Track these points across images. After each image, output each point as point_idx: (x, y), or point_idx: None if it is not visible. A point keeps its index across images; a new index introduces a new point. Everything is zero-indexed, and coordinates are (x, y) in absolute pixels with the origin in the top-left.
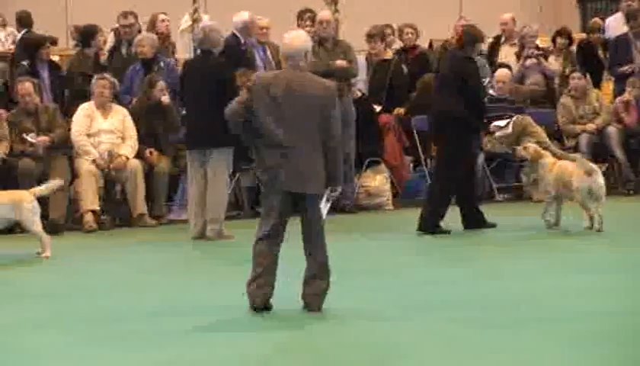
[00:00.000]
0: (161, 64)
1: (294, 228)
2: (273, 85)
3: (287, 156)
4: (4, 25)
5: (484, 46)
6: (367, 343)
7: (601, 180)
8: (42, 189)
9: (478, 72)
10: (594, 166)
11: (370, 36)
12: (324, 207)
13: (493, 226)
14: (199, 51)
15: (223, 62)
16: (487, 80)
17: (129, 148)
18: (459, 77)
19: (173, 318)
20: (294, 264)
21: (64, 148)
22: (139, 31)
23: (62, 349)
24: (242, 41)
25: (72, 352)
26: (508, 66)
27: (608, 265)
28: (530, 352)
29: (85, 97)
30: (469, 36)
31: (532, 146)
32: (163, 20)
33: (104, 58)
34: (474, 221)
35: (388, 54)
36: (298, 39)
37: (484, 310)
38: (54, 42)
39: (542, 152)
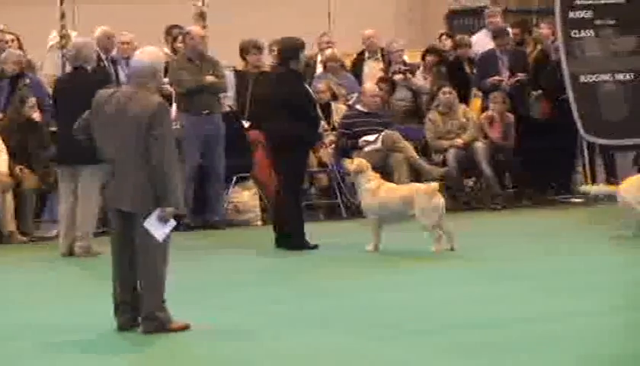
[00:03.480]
0: (27, 81)
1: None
2: (107, 102)
3: (114, 173)
4: None
5: (349, 61)
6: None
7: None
8: None
9: (303, 87)
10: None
11: (256, 48)
12: (159, 228)
13: (314, 247)
14: (70, 67)
15: (95, 79)
16: (355, 95)
17: (4, 164)
18: (280, 93)
19: (27, 337)
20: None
21: None
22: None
23: None
24: (103, 57)
25: None
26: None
27: (464, 278)
28: (392, 362)
29: None
30: (289, 50)
31: (357, 159)
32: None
33: None
34: (295, 239)
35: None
36: (145, 56)
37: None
38: None
39: (365, 167)
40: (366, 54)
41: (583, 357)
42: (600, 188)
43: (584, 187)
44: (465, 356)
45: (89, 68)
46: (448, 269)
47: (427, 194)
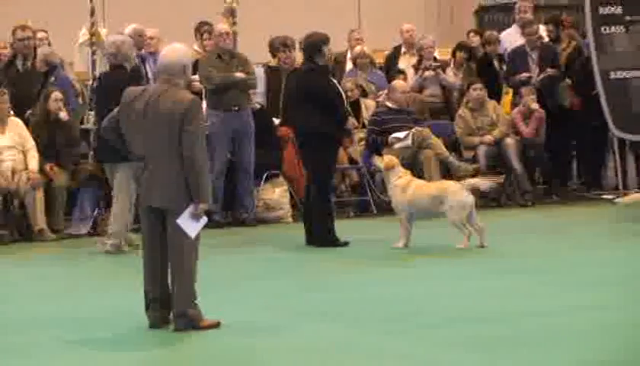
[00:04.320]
0: (53, 79)
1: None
2: (137, 99)
3: (146, 169)
4: None
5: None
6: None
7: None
8: None
9: (329, 82)
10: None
11: (283, 45)
12: (191, 224)
13: (345, 244)
14: (108, 65)
15: (134, 77)
16: (384, 92)
17: (34, 160)
18: (307, 90)
19: (52, 328)
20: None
21: None
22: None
23: None
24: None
25: None
26: (403, 72)
27: (480, 273)
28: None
29: None
30: (311, 45)
31: (387, 156)
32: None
33: None
34: (324, 236)
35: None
36: (173, 53)
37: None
38: None
39: (396, 163)
40: (403, 49)
41: (591, 351)
42: (634, 197)
43: (619, 200)
44: (472, 350)
45: (128, 66)
46: (463, 264)
47: (457, 191)
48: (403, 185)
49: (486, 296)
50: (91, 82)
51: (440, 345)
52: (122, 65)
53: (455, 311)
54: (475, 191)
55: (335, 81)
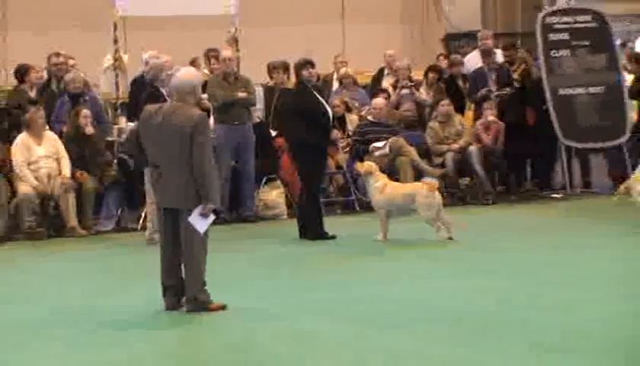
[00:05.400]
0: (86, 97)
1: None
2: (154, 115)
3: (161, 175)
4: None
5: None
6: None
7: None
8: None
9: (313, 99)
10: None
11: (274, 68)
12: (201, 222)
13: (332, 237)
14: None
15: (155, 95)
16: (366, 108)
17: (67, 168)
18: (298, 107)
19: (89, 316)
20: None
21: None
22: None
23: None
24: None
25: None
26: (386, 91)
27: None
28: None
29: (20, 126)
30: (299, 65)
31: (367, 162)
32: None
33: (32, 93)
34: (314, 231)
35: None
36: (185, 75)
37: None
38: None
39: (375, 169)
40: (386, 71)
41: (571, 340)
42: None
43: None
44: (463, 344)
45: (164, 90)
46: (433, 254)
47: (427, 192)
48: (380, 187)
49: (471, 292)
50: (115, 101)
51: (433, 339)
52: (157, 87)
53: (447, 306)
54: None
55: (322, 98)
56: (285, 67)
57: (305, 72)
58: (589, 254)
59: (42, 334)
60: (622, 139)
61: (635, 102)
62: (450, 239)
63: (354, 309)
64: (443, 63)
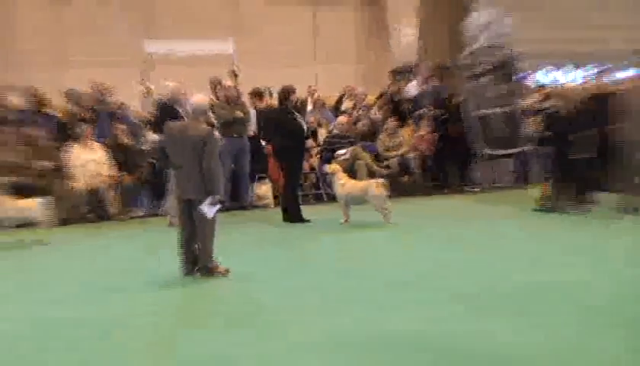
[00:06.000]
0: (121, 116)
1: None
2: (175, 130)
3: (180, 174)
4: None
5: (332, 101)
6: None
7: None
8: None
9: (291, 117)
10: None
11: (253, 95)
12: (209, 209)
13: (308, 221)
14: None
15: (174, 114)
16: (332, 124)
17: (109, 169)
18: (281, 123)
19: (136, 278)
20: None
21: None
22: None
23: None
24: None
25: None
26: (347, 112)
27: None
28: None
29: (73, 138)
30: (283, 94)
31: (333, 165)
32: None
33: (84, 114)
34: (294, 216)
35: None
36: (198, 100)
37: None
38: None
39: (339, 170)
40: (344, 97)
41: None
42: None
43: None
44: (404, 289)
45: (181, 111)
46: (386, 236)
47: (376, 187)
48: (343, 183)
49: (399, 253)
50: (145, 119)
51: (381, 285)
52: (173, 107)
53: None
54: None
55: (300, 116)
56: (256, 93)
57: (291, 97)
58: (495, 227)
59: (98, 286)
60: (523, 147)
61: (533, 118)
62: (389, 223)
63: (322, 269)
64: (390, 90)
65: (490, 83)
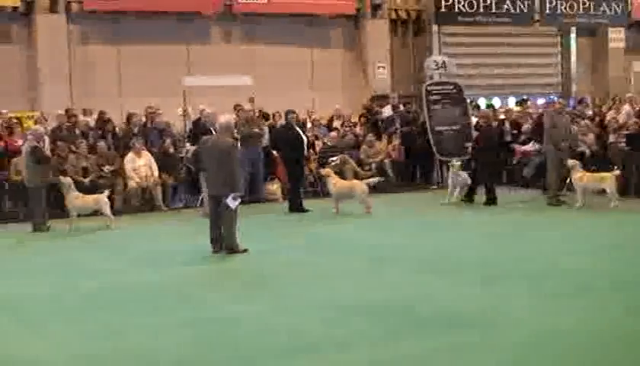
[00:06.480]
0: (166, 131)
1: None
2: (207, 142)
3: (211, 175)
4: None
5: (325, 121)
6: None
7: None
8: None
9: (295, 133)
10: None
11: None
12: (232, 202)
13: (308, 211)
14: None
15: (206, 130)
16: (326, 137)
17: (156, 172)
18: (286, 136)
19: (169, 258)
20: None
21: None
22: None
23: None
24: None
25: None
26: (337, 129)
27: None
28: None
29: (129, 148)
30: (286, 114)
31: (326, 169)
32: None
33: (136, 129)
34: (297, 207)
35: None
36: (226, 118)
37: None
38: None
39: (331, 172)
40: (335, 117)
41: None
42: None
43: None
44: (369, 263)
45: (211, 128)
46: (366, 223)
47: (360, 185)
48: (334, 183)
49: (375, 234)
50: (184, 134)
51: (365, 260)
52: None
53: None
54: (369, 184)
55: (302, 131)
56: (262, 114)
57: (290, 116)
58: (453, 216)
59: (145, 262)
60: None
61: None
62: (370, 213)
63: (319, 247)
64: (370, 112)
65: (446, 107)
